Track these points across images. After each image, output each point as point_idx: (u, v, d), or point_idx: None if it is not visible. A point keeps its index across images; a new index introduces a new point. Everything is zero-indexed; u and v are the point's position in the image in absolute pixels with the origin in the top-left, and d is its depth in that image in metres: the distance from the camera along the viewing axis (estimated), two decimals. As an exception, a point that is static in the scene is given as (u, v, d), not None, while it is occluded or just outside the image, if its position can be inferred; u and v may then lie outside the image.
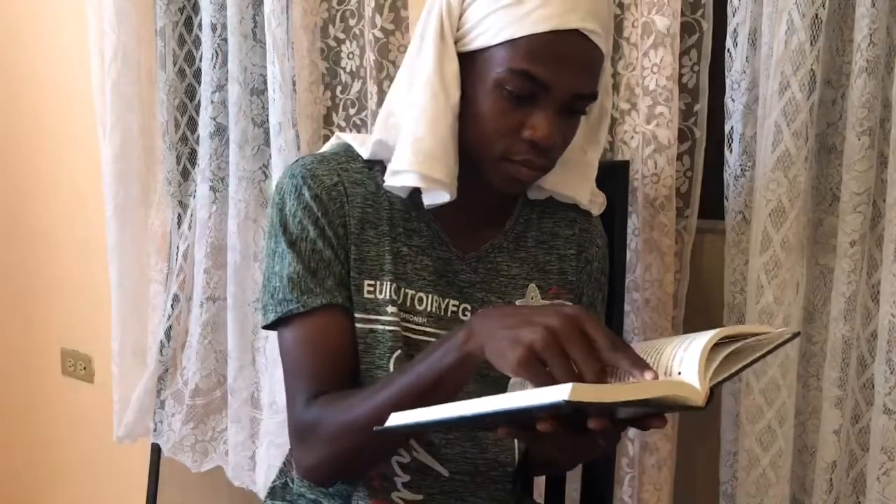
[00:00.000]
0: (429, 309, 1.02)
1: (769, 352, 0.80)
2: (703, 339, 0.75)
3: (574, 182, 1.07)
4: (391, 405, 0.89)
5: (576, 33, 0.91)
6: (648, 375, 0.73)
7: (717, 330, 0.77)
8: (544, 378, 0.75)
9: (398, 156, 0.97)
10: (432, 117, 0.95)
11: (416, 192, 1.01)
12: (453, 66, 0.95)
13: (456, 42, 0.95)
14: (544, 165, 0.97)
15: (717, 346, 0.76)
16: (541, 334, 0.76)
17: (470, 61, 0.95)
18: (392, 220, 1.03)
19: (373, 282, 1.01)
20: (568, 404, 0.64)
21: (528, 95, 0.92)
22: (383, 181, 1.00)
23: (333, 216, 1.00)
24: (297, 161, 1.05)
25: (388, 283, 1.01)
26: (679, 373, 0.74)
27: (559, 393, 0.64)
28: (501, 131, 0.94)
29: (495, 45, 0.92)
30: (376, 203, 1.03)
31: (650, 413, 0.75)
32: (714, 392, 0.73)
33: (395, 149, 0.98)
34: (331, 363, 0.99)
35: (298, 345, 1.00)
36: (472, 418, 0.73)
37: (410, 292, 1.02)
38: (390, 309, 1.00)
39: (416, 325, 1.01)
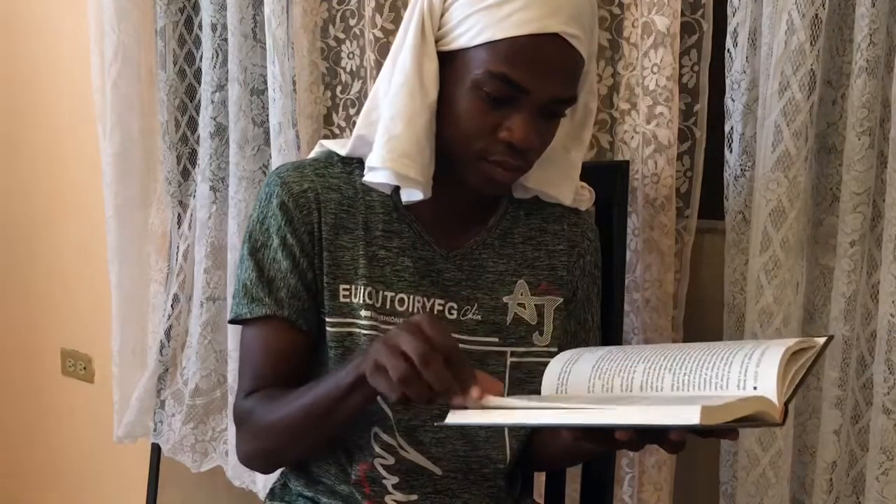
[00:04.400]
0: (411, 310, 1.02)
1: (815, 363, 0.80)
2: (776, 353, 0.76)
3: (557, 182, 1.07)
4: (304, 414, 0.95)
5: (556, 37, 0.91)
6: (475, 393, 0.80)
7: (785, 344, 0.77)
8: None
9: (374, 153, 0.98)
10: (409, 116, 0.95)
11: (397, 192, 1.02)
12: (433, 66, 0.95)
13: (437, 41, 0.95)
14: (520, 167, 0.98)
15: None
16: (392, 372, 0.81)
17: (450, 61, 0.95)
18: (368, 223, 1.03)
19: (348, 286, 1.02)
20: (702, 427, 0.67)
21: (506, 98, 0.93)
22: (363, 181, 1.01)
23: (298, 224, 1.01)
24: (275, 169, 1.06)
25: (363, 287, 1.01)
26: (755, 387, 0.75)
27: (690, 417, 0.67)
28: (478, 131, 0.94)
29: (475, 47, 0.92)
30: (352, 207, 1.03)
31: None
32: (788, 409, 0.75)
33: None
34: (271, 366, 1.03)
35: (248, 344, 1.06)
36: (581, 428, 0.77)
37: (389, 294, 1.02)
38: (363, 313, 1.01)
39: None
